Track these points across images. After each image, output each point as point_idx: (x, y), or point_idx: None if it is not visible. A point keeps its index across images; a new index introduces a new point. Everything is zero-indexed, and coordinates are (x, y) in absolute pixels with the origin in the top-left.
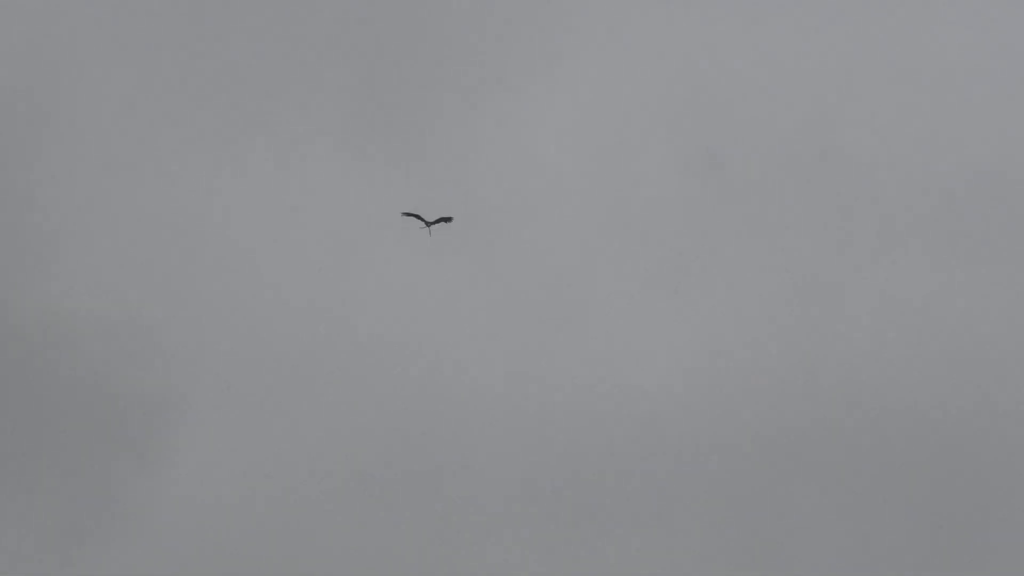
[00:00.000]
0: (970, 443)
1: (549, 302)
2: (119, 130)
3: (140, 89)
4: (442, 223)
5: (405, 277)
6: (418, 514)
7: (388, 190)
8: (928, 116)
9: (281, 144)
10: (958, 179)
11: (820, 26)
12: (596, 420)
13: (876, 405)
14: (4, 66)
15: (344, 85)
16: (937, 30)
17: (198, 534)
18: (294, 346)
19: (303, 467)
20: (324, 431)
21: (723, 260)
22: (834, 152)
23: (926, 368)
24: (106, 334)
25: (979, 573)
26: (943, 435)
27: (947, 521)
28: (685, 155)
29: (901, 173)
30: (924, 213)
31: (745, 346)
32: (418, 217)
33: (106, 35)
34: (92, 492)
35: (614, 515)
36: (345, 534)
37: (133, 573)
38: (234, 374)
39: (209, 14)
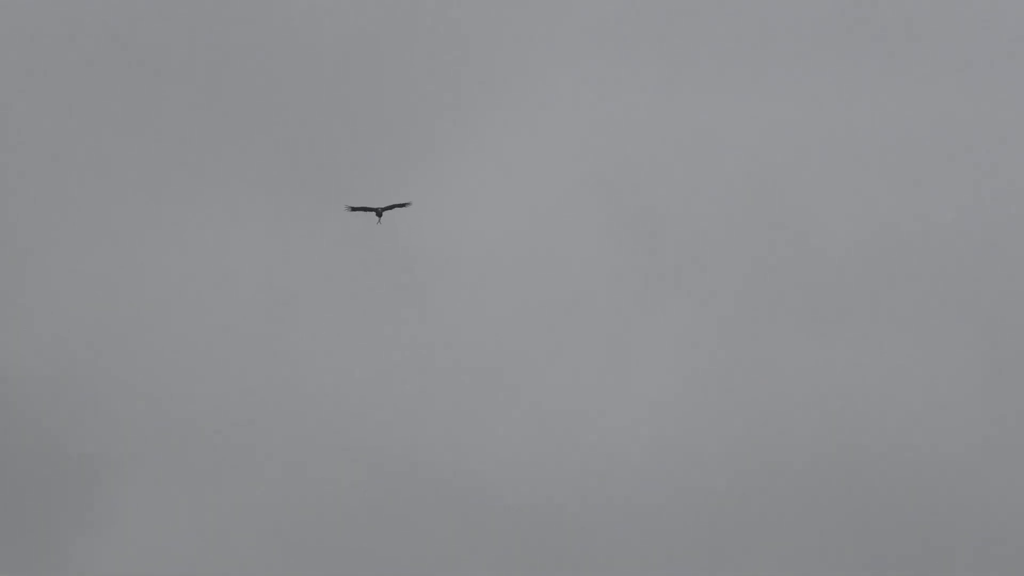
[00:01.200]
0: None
1: (489, 365)
2: (58, 192)
3: (76, 148)
4: (396, 209)
5: (346, 339)
6: None
7: (325, 253)
8: (868, 182)
9: (219, 202)
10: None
11: (749, 94)
12: (539, 482)
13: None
14: None
15: (278, 146)
16: (864, 104)
17: None
18: (238, 407)
19: (246, 529)
20: (266, 493)
21: (659, 323)
22: (772, 217)
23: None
24: (49, 393)
25: None
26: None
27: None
28: (620, 218)
29: (840, 235)
30: (864, 279)
31: (683, 403)
32: (367, 209)
33: (49, 97)
34: (35, 551)
35: None
36: None
37: None
38: (178, 435)
39: (157, 77)
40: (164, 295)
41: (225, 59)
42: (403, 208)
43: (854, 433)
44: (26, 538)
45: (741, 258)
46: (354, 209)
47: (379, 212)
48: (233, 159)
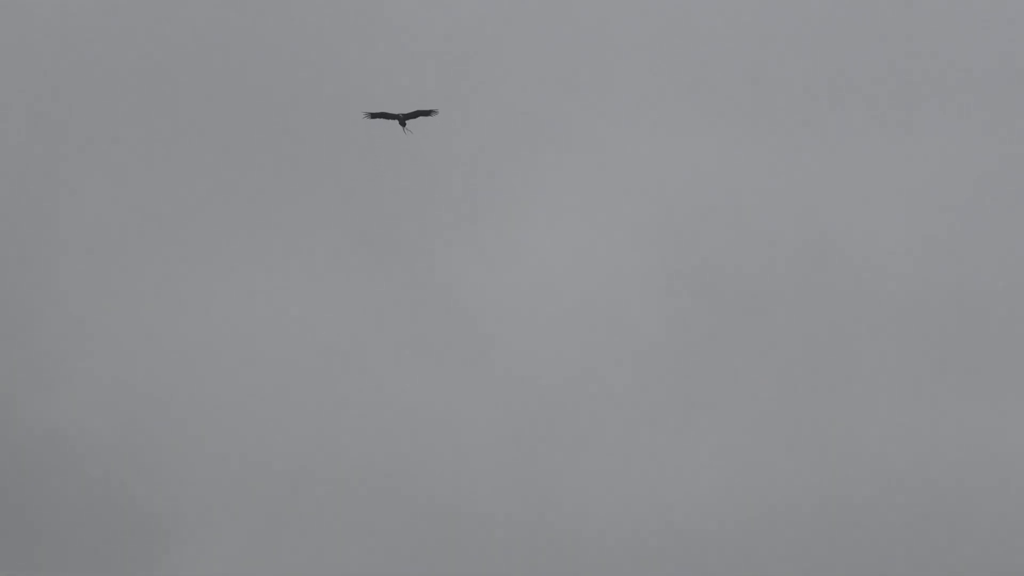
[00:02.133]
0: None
1: (544, 425)
2: (117, 250)
3: (133, 207)
4: (421, 117)
5: (399, 396)
6: None
7: (382, 308)
8: (930, 233)
9: (275, 263)
10: (960, 298)
11: (813, 145)
12: (595, 547)
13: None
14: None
15: (341, 201)
16: (928, 158)
17: None
18: (291, 466)
19: None
20: (321, 553)
21: (720, 377)
22: (833, 271)
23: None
24: (105, 454)
25: None
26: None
27: None
28: (680, 272)
29: (904, 291)
30: (926, 334)
31: (746, 456)
32: (389, 116)
33: (99, 156)
34: None
35: None
36: None
37: None
38: (232, 494)
39: (208, 135)
40: (220, 347)
41: (280, 108)
42: (428, 116)
43: (916, 484)
44: None
45: (802, 312)
46: (374, 116)
47: (402, 120)
48: (293, 210)
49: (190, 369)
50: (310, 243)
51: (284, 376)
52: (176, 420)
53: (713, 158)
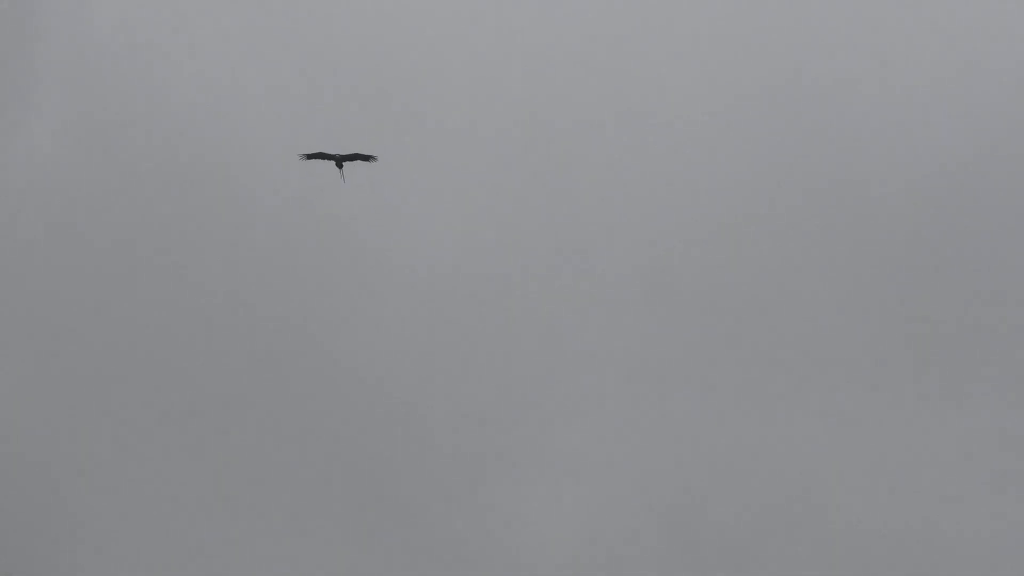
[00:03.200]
0: None
1: None
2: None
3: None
4: (359, 161)
5: None
6: None
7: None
8: (902, 497)
9: (280, 531)
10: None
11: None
12: None
13: None
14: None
15: (346, 474)
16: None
17: None
18: None
19: None
20: None
21: None
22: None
23: None
24: None
25: None
26: None
27: None
28: (670, 535)
29: (880, 546)
30: None
31: None
32: (326, 156)
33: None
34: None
35: None
36: None
37: None
38: None
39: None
40: None
41: (293, 391)
42: (367, 162)
43: None
44: None
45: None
46: (310, 157)
47: (339, 162)
48: (299, 484)
49: None
50: (319, 511)
51: None
52: None
53: (696, 428)
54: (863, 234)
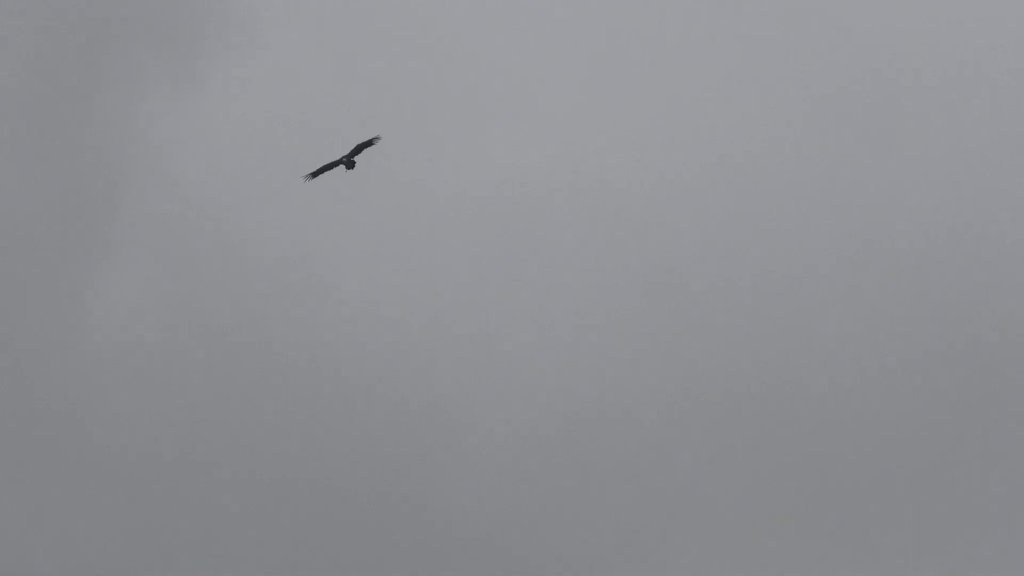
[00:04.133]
0: None
1: None
2: None
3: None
4: (367, 147)
5: None
6: None
7: None
8: None
9: None
10: None
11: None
12: None
13: None
14: None
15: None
16: None
17: None
18: None
19: None
20: None
21: None
22: None
23: None
24: None
25: None
26: None
27: None
28: None
29: None
30: None
31: None
32: (332, 166)
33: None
34: None
35: None
36: None
37: None
38: None
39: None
40: None
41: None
42: (372, 146)
43: None
44: None
45: None
46: (316, 174)
47: (348, 164)
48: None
49: None
50: None
51: None
52: None
53: None
54: None
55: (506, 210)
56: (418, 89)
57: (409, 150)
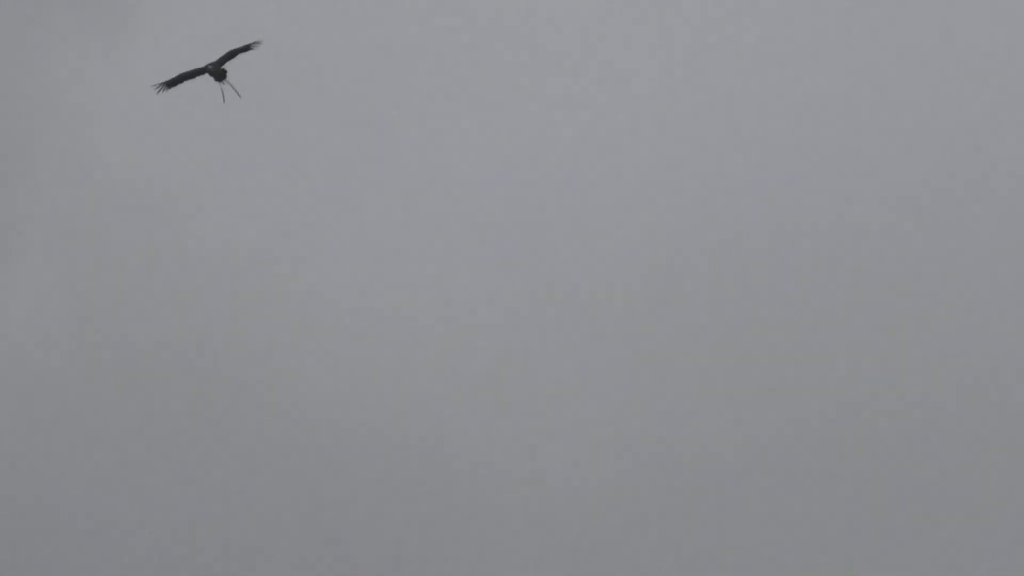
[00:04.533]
0: None
1: None
2: None
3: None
4: (240, 54)
5: None
6: None
7: None
8: None
9: None
10: None
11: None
12: None
13: None
14: None
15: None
16: None
17: None
18: None
19: None
20: None
21: None
22: None
23: None
24: None
25: None
26: None
27: None
28: None
29: None
30: None
31: None
32: (192, 75)
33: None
34: None
35: None
36: None
37: None
38: None
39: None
40: None
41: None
42: (249, 51)
43: None
44: None
45: None
46: (172, 84)
47: (216, 72)
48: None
49: None
50: None
51: None
52: None
53: None
54: None
55: (506, 210)
56: (398, 60)
57: (392, 137)
